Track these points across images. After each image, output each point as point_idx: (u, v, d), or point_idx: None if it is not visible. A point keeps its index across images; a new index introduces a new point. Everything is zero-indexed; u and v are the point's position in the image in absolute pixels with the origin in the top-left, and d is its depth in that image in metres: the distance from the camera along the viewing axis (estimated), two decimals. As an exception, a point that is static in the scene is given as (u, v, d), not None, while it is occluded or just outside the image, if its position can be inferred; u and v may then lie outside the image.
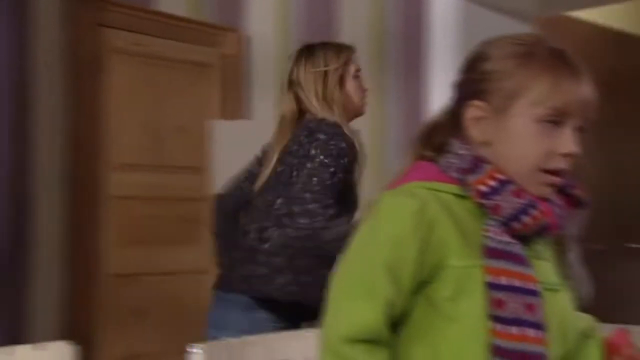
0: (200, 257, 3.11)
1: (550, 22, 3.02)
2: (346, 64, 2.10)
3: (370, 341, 1.02)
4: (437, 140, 1.14)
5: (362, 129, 2.78)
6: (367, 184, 2.75)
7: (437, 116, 1.18)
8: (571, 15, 3.30)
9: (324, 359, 1.05)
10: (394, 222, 1.05)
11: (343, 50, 2.12)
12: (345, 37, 2.86)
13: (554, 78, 1.04)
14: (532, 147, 1.06)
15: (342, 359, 1.02)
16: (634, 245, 3.50)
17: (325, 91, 2.04)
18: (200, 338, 2.08)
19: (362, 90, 2.15)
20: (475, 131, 1.09)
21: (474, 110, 1.09)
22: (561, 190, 1.10)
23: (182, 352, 2.97)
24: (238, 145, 2.87)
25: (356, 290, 1.04)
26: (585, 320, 1.15)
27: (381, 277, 1.02)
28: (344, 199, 2.05)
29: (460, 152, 1.09)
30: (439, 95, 2.56)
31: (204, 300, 3.09)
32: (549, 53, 1.06)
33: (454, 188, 1.09)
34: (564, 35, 2.92)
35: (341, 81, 2.08)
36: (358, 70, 2.13)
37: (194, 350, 1.64)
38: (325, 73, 2.06)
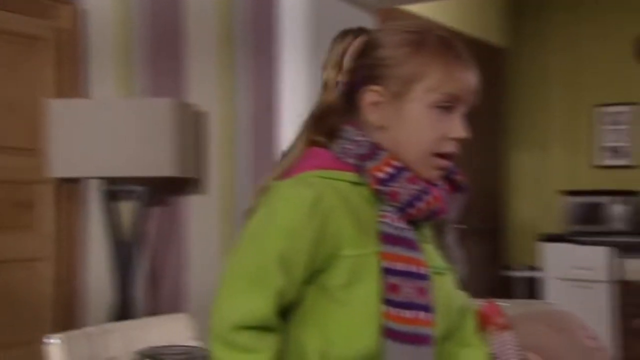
0: (34, 244, 2.92)
1: (389, 14, 3.16)
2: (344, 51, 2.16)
3: (259, 328, 1.03)
4: (327, 124, 1.16)
5: (211, 109, 2.75)
6: (216, 164, 2.73)
7: (326, 100, 1.19)
8: (406, 9, 3.48)
9: (213, 346, 1.05)
10: (290, 213, 1.05)
11: (344, 38, 2.21)
12: (191, 14, 2.80)
13: (447, 65, 1.10)
14: (426, 131, 1.11)
15: (230, 346, 1.03)
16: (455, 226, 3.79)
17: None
18: (39, 329, 1.95)
19: None
20: (373, 116, 1.12)
21: (372, 95, 1.12)
22: (445, 176, 1.16)
23: (14, 346, 2.78)
24: (75, 126, 2.71)
25: (248, 280, 1.04)
26: (462, 297, 1.22)
27: (273, 267, 1.03)
28: None
29: (357, 138, 1.11)
30: (289, 74, 2.59)
31: (38, 290, 2.90)
32: (439, 41, 1.12)
33: (349, 175, 1.11)
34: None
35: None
36: None
37: (52, 340, 1.56)
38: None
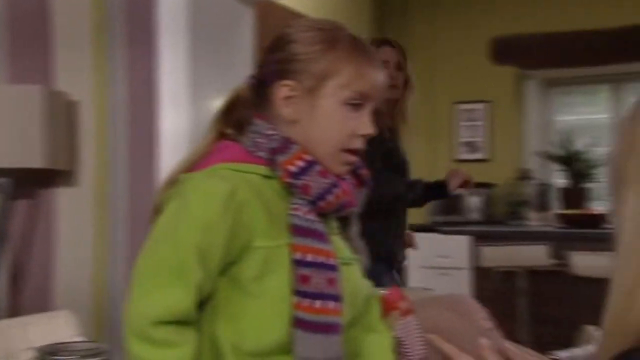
0: None
1: (264, 7, 3.17)
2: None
3: (178, 322, 1.02)
4: (237, 117, 1.16)
5: (84, 98, 2.63)
6: (89, 156, 2.62)
7: (235, 93, 1.19)
8: (279, 3, 3.50)
9: (131, 342, 1.02)
10: (204, 205, 1.04)
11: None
12: (63, 2, 2.66)
13: (358, 64, 1.13)
14: (337, 127, 1.13)
15: (150, 342, 1.01)
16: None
17: None
18: None
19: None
20: (285, 110, 1.13)
21: (285, 89, 1.13)
22: (351, 170, 1.19)
23: None
24: None
25: (165, 274, 1.02)
26: (367, 285, 1.26)
27: (191, 260, 1.02)
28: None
29: (268, 132, 1.12)
30: (166, 64, 2.53)
31: None
32: (350, 40, 1.15)
33: (260, 169, 1.11)
34: (274, 21, 3.10)
35: None
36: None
37: None
38: None
